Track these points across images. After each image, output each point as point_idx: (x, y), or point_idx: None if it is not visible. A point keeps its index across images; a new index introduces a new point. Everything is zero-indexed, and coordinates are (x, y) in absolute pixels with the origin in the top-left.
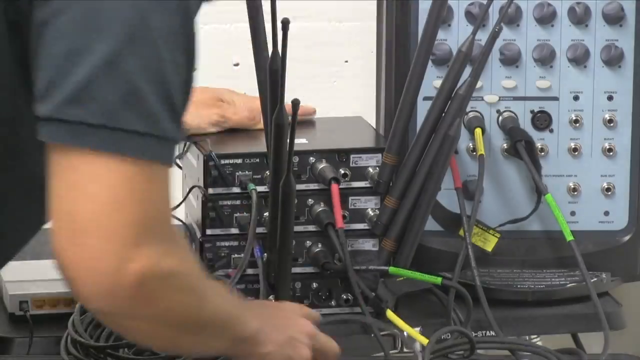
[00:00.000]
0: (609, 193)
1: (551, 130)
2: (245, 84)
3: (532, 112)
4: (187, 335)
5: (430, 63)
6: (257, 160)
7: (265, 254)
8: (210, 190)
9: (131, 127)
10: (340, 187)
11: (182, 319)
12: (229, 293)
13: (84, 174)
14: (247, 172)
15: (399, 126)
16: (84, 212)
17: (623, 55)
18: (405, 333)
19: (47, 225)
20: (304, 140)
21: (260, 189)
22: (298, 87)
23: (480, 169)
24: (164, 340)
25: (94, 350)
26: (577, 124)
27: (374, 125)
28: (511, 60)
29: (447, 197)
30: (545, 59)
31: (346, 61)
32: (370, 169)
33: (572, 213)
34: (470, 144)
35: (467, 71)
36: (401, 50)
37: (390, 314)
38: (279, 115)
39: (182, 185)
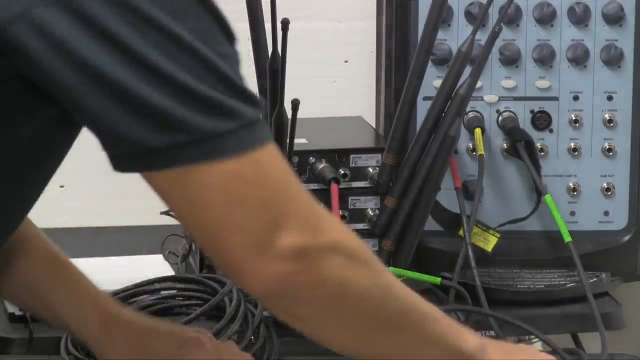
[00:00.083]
0: (609, 193)
1: (551, 131)
2: None
3: (531, 112)
4: (378, 331)
5: (430, 63)
6: None
7: None
8: None
9: (216, 130)
10: (340, 187)
11: (361, 302)
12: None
13: (197, 188)
14: None
15: (399, 126)
16: (216, 221)
17: (623, 55)
18: None
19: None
20: (303, 140)
21: None
22: (298, 87)
23: (480, 169)
24: (348, 337)
25: None
26: (577, 124)
27: (373, 125)
28: (511, 60)
29: (447, 197)
30: (545, 59)
31: (346, 61)
32: (370, 169)
33: (572, 213)
34: (470, 144)
35: (467, 71)
36: (401, 50)
37: None
38: (279, 115)
39: None
